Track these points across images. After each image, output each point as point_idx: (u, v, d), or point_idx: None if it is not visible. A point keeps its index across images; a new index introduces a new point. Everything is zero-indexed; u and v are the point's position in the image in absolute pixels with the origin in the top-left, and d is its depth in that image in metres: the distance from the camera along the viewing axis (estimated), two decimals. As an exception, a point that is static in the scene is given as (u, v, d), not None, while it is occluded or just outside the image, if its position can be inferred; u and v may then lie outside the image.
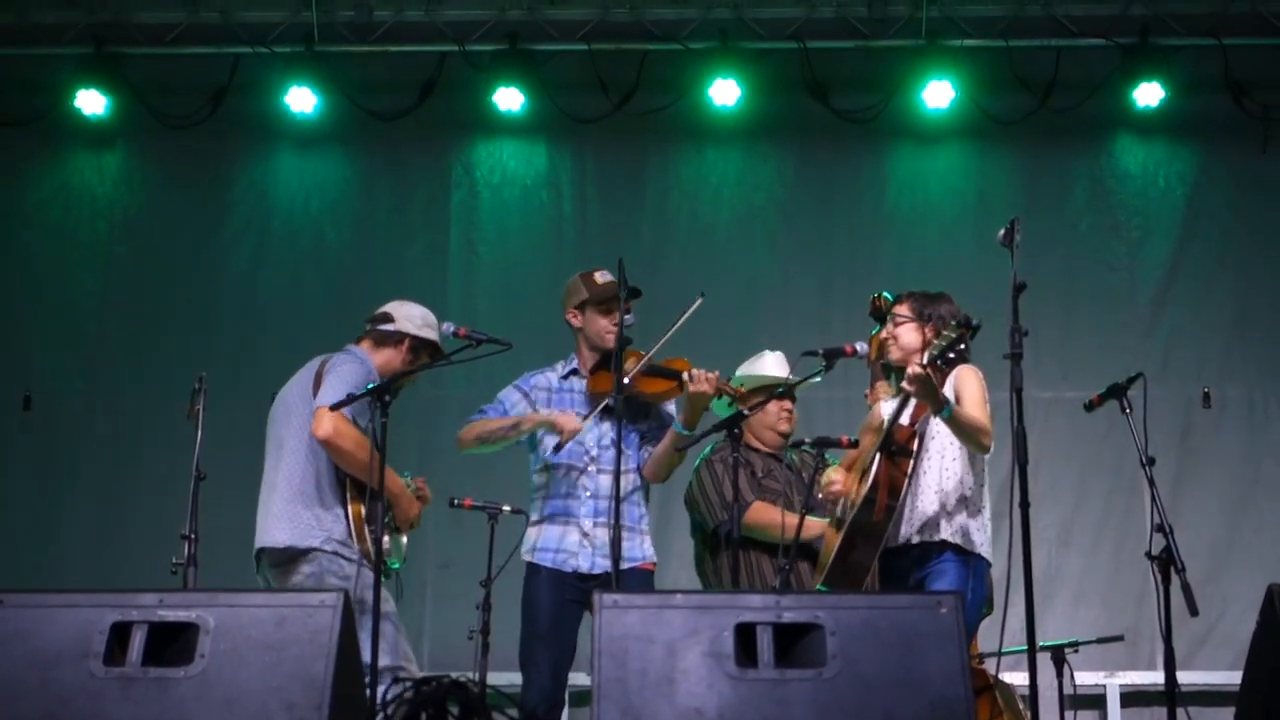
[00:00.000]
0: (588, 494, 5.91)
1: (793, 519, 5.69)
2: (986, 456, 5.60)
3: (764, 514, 6.03)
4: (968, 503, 5.54)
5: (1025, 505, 4.96)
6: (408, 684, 3.57)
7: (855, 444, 5.83)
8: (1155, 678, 7.98)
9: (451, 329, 5.67)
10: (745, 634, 3.82)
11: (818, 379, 5.85)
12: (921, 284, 5.91)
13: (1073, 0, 9.00)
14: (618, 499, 5.49)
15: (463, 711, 3.48)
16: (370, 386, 5.37)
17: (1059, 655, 6.96)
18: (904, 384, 5.35)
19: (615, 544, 5.48)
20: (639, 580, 5.86)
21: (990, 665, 5.73)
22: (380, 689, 4.80)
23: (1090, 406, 5.64)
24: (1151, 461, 5.36)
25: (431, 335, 5.83)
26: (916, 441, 5.53)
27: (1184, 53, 8.98)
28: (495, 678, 6.62)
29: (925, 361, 5.33)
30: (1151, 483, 5.34)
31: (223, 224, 9.37)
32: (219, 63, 9.27)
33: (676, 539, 7.21)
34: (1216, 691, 7.90)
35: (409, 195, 9.38)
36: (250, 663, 3.80)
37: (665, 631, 3.81)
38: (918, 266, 8.63)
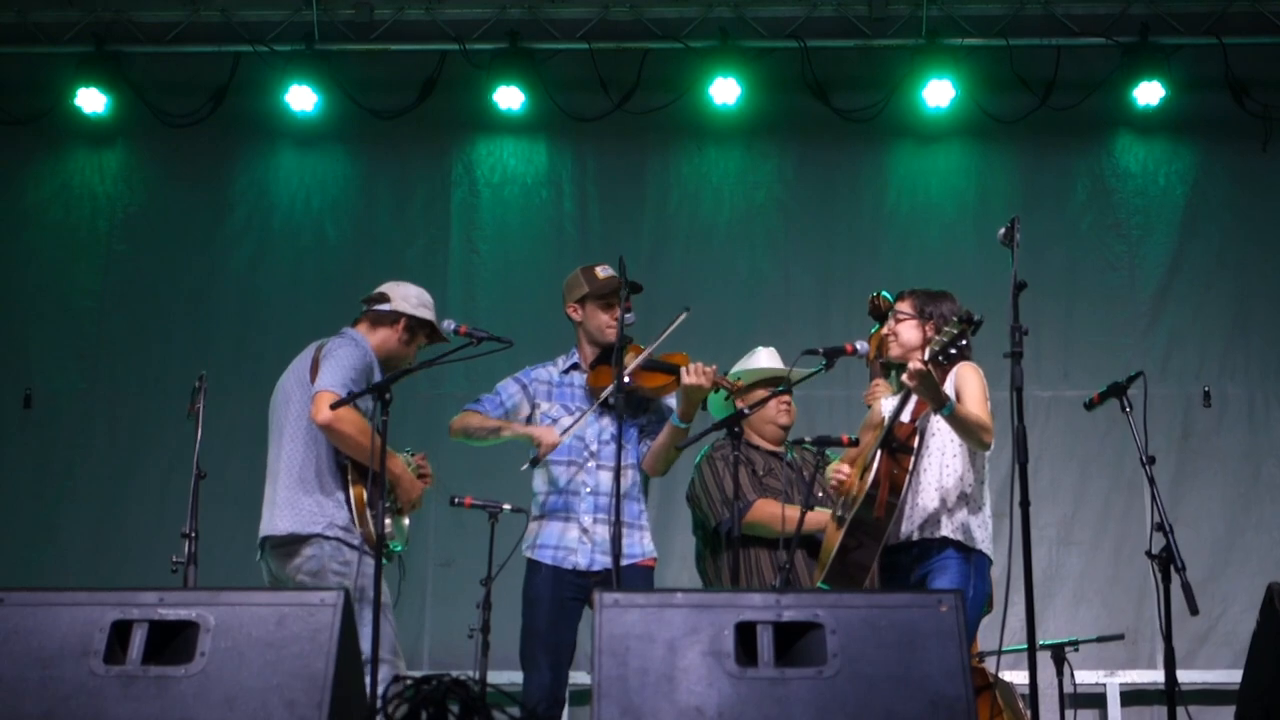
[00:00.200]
0: (588, 490, 5.91)
1: (793, 512, 5.69)
2: (987, 453, 5.61)
3: (765, 510, 6.03)
4: (968, 499, 5.54)
5: (1025, 504, 4.97)
6: (408, 682, 3.56)
7: (856, 442, 5.83)
8: (1155, 676, 7.99)
9: (452, 326, 5.68)
10: (745, 633, 3.82)
11: (818, 371, 5.83)
12: (922, 282, 5.92)
13: (1073, -1, 9.03)
14: (618, 495, 5.49)
15: (463, 710, 3.48)
16: (370, 385, 5.38)
17: (1059, 654, 6.97)
18: (905, 380, 5.35)
19: (615, 540, 5.48)
20: (639, 577, 5.86)
21: (990, 664, 5.73)
22: (380, 686, 4.81)
23: (1090, 405, 5.64)
24: (1152, 460, 5.36)
25: (428, 315, 5.83)
26: (917, 439, 5.54)
27: (1184, 51, 8.99)
28: (495, 676, 6.63)
29: (926, 358, 5.33)
30: (1152, 481, 5.35)
31: (223, 222, 9.37)
32: (219, 61, 9.28)
33: (677, 537, 7.22)
34: (1217, 690, 7.89)
35: (409, 194, 9.39)
36: (251, 661, 3.79)
37: (666, 630, 3.80)
38: (918, 265, 8.64)
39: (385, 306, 5.81)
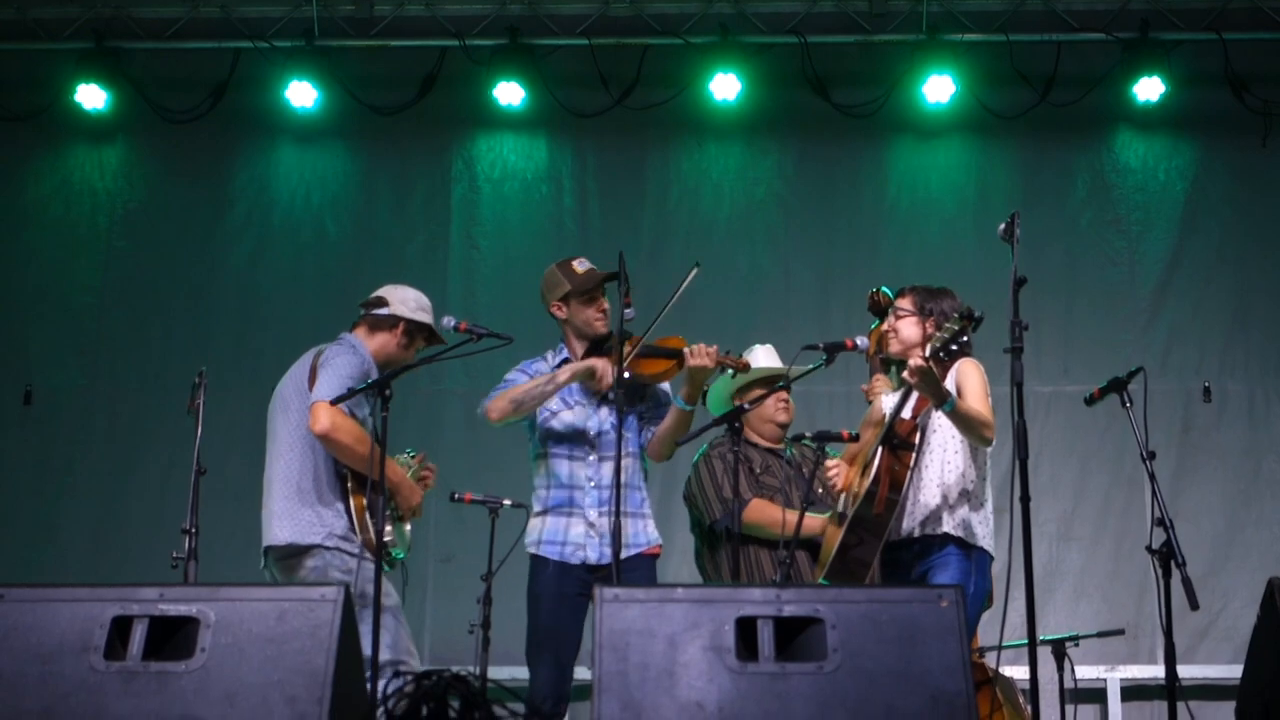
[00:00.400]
0: (591, 484, 5.88)
1: (792, 516, 5.68)
2: (989, 449, 5.60)
3: (762, 512, 6.03)
4: (970, 496, 5.54)
5: (1026, 500, 4.97)
6: (408, 677, 3.56)
7: (856, 438, 5.83)
8: (1156, 672, 7.99)
9: (452, 323, 5.67)
10: (746, 628, 3.82)
11: (818, 366, 5.82)
12: (922, 278, 5.92)
13: (1073, -5, 9.03)
14: (618, 488, 5.49)
15: (463, 705, 3.48)
16: (369, 381, 5.38)
17: (1059, 649, 6.96)
18: (906, 376, 5.35)
19: (616, 534, 5.48)
20: (644, 566, 5.84)
21: (991, 659, 5.73)
22: (381, 683, 4.81)
23: (1091, 401, 5.65)
24: (1152, 456, 5.37)
25: (425, 318, 5.83)
26: (918, 435, 5.53)
27: (1184, 47, 8.99)
28: (496, 672, 6.63)
29: (927, 354, 5.33)
30: (1152, 477, 5.35)
31: (223, 219, 9.37)
32: (219, 57, 9.28)
33: (677, 533, 7.22)
34: (1217, 685, 7.90)
35: (409, 190, 9.38)
36: (251, 657, 3.80)
37: (666, 625, 3.81)
38: (918, 261, 8.64)
39: (383, 311, 5.81)
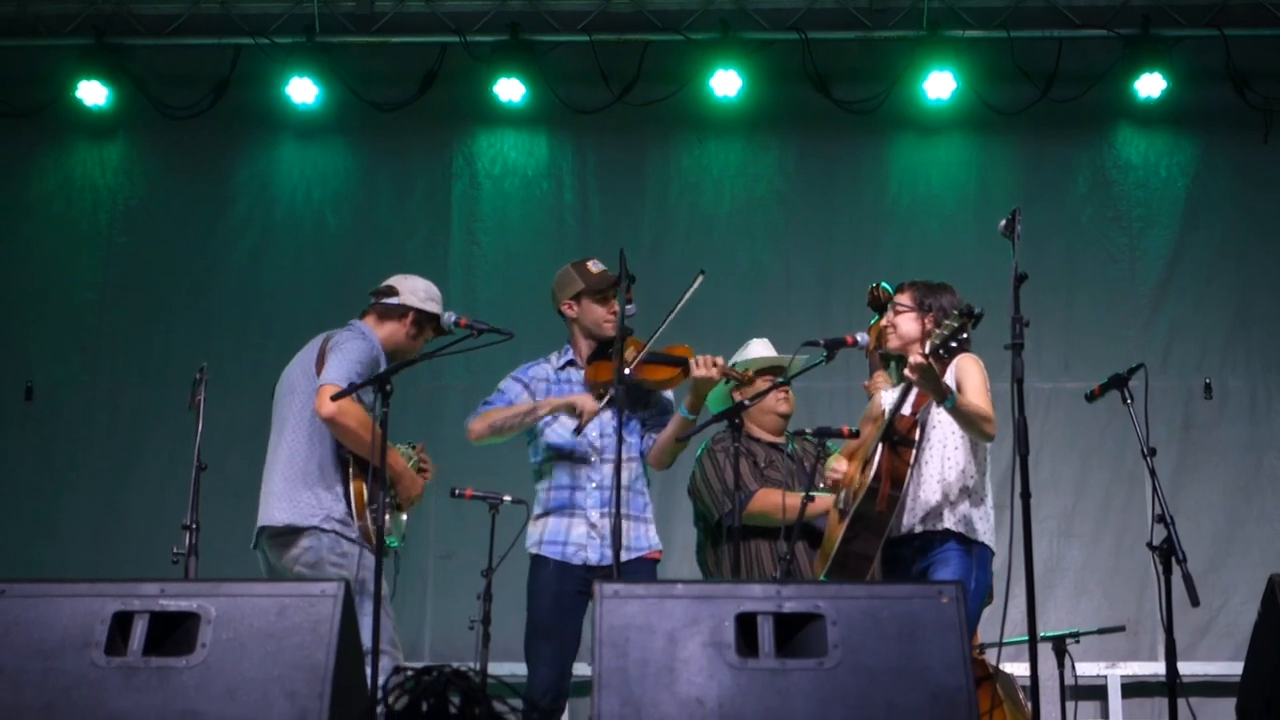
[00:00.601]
0: (593, 485, 5.89)
1: (794, 500, 5.70)
2: (989, 445, 5.60)
3: (766, 499, 6.03)
4: (970, 492, 5.53)
5: (1026, 496, 4.97)
6: (408, 673, 3.56)
7: (856, 434, 5.82)
8: (1156, 668, 8.00)
9: (453, 319, 5.68)
10: (746, 624, 3.82)
11: (819, 362, 5.82)
12: (923, 275, 5.91)
13: (1074, -9, 9.03)
14: (619, 489, 5.49)
15: (463, 701, 3.48)
16: (371, 377, 5.38)
17: (1060, 646, 6.96)
18: (906, 373, 5.34)
19: (616, 533, 5.48)
20: (644, 570, 5.84)
21: (991, 655, 5.73)
22: (381, 678, 4.81)
23: (1091, 397, 5.64)
24: (1153, 452, 5.37)
25: (435, 308, 5.84)
26: (918, 431, 5.53)
27: (1185, 43, 8.99)
28: (496, 668, 6.64)
29: (927, 351, 5.33)
30: (1153, 473, 5.35)
31: (224, 215, 9.37)
32: (220, 54, 9.28)
33: (678, 529, 7.23)
34: (1218, 682, 7.91)
35: (410, 186, 9.38)
36: (252, 652, 3.80)
37: (666, 621, 3.80)
38: (919, 257, 8.64)
39: (393, 300, 5.82)
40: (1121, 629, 7.67)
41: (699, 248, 9.11)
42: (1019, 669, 6.49)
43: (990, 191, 9.10)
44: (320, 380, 5.45)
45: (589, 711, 3.81)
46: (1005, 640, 5.81)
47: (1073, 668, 6.95)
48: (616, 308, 5.88)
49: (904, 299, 5.74)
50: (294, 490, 5.48)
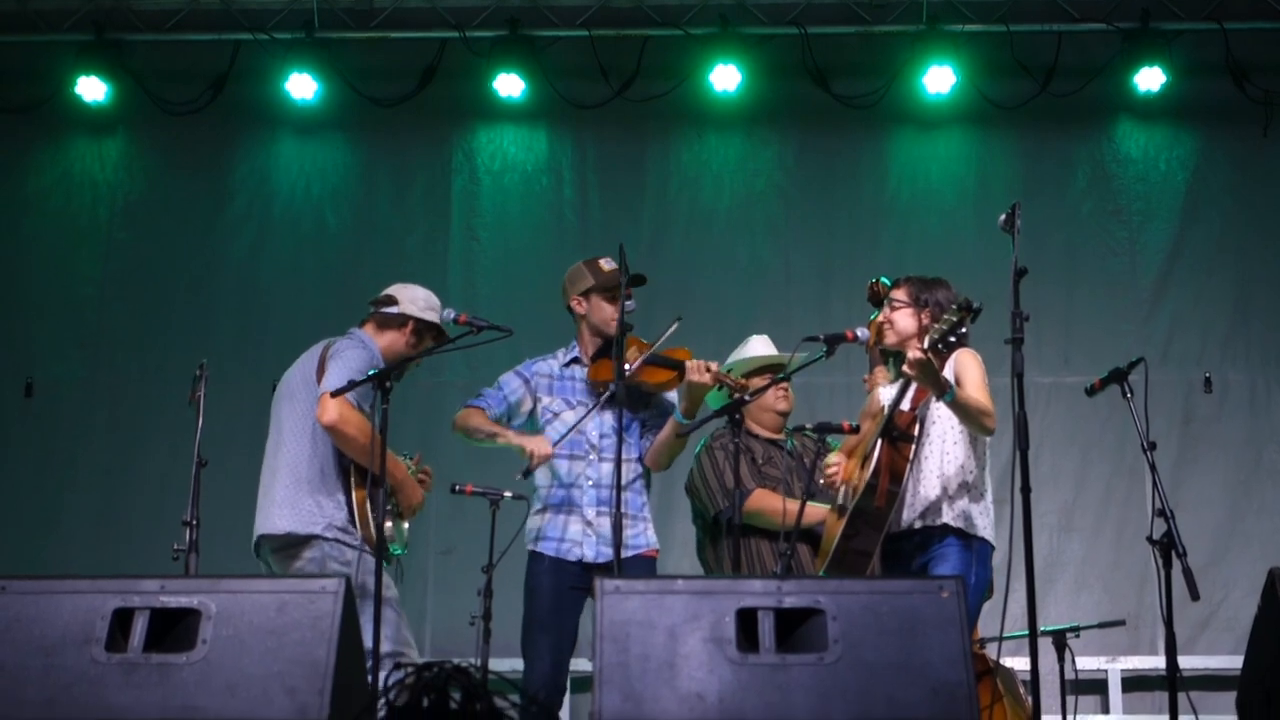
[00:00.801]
0: (590, 483, 5.92)
1: (793, 505, 5.69)
2: (989, 440, 5.60)
3: (764, 501, 6.03)
4: (970, 487, 5.54)
5: (1026, 490, 4.97)
6: (409, 669, 3.56)
7: (856, 429, 5.83)
8: (1157, 662, 7.99)
9: (452, 315, 5.68)
10: (747, 619, 3.83)
11: (818, 358, 5.82)
12: (922, 269, 5.92)
13: (1073, -15, 9.01)
14: (619, 487, 5.50)
15: (464, 697, 3.48)
16: (372, 372, 5.38)
17: (1060, 640, 6.96)
18: (905, 368, 5.34)
19: (616, 531, 5.48)
20: (642, 568, 5.88)
21: (991, 650, 5.73)
22: (381, 675, 4.81)
23: (1091, 391, 5.64)
24: (1153, 446, 5.36)
25: (434, 318, 5.84)
26: (918, 427, 5.53)
27: (1185, 37, 8.97)
28: (497, 663, 6.63)
29: (926, 346, 5.33)
30: (1153, 467, 5.34)
31: (223, 210, 9.37)
32: (219, 49, 9.27)
33: (678, 526, 7.22)
34: (1218, 676, 7.90)
35: (410, 181, 9.38)
36: (252, 648, 3.80)
37: (667, 617, 3.81)
38: (918, 252, 8.63)
39: (393, 309, 5.82)
40: (1122, 623, 7.66)
41: (698, 243, 9.12)
42: (1019, 663, 6.48)
43: (990, 186, 9.09)
44: (321, 388, 5.46)
45: (590, 707, 3.81)
46: (1005, 635, 5.80)
47: (1073, 662, 6.95)
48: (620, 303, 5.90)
49: (900, 295, 5.74)
50: (296, 497, 5.48)
